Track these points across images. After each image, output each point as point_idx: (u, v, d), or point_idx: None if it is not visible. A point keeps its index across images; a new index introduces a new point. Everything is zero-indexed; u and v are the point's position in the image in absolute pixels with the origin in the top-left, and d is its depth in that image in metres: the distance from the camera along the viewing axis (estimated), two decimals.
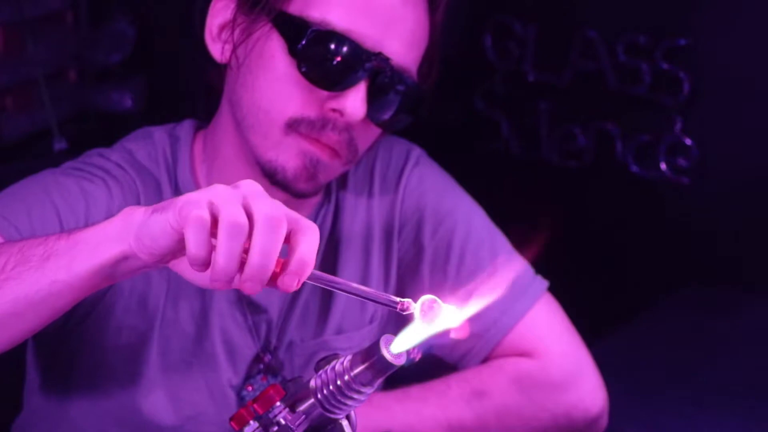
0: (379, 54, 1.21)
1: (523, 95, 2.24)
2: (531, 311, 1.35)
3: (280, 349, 1.35)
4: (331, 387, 0.92)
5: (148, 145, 1.33)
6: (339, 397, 0.92)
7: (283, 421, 0.95)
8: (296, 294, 1.34)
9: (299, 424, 0.94)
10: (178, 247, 0.93)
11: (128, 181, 1.29)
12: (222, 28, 1.27)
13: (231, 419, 0.97)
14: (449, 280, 1.37)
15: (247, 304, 1.33)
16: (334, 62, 1.20)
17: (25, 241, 1.01)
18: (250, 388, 1.34)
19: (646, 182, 2.12)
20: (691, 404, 1.52)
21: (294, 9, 1.22)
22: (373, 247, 1.38)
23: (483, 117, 2.29)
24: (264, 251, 0.91)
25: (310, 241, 0.93)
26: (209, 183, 1.30)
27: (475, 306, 0.96)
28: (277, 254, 0.91)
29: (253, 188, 0.94)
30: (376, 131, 1.28)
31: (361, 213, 1.39)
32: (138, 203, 1.28)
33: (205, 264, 0.91)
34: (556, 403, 1.34)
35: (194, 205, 0.91)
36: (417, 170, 1.41)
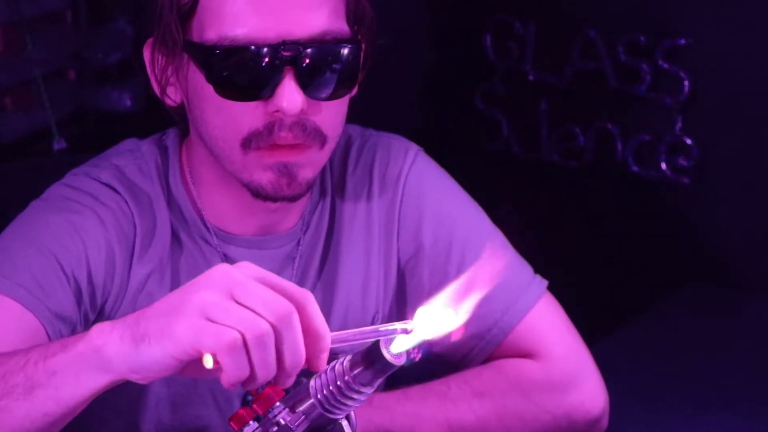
0: (283, 42, 1.18)
1: (523, 95, 2.24)
2: (532, 311, 1.34)
3: None
4: (330, 387, 0.92)
5: (138, 159, 1.31)
6: (339, 398, 0.92)
7: (282, 422, 0.94)
8: None
9: (299, 425, 0.94)
10: (182, 370, 0.92)
11: (120, 204, 1.27)
12: (160, 74, 1.26)
13: (231, 419, 0.97)
14: (450, 280, 1.36)
15: None
16: (247, 72, 1.19)
17: (5, 366, 0.99)
18: (254, 393, 1.33)
19: (646, 182, 2.12)
20: (691, 404, 1.51)
21: (195, 37, 1.21)
22: (373, 247, 1.37)
23: (483, 117, 2.29)
24: (294, 351, 0.90)
25: (314, 312, 0.92)
26: (201, 197, 1.30)
27: (473, 306, 0.95)
28: (302, 343, 0.90)
29: (231, 279, 0.91)
30: (333, 105, 1.24)
31: (361, 213, 1.38)
32: (133, 227, 1.27)
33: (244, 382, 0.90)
34: (558, 405, 1.33)
35: (202, 330, 0.88)
36: (416, 169, 1.40)
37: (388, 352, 0.91)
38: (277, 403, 0.95)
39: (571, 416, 1.34)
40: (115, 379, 0.95)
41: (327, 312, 1.36)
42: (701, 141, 2.05)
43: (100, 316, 1.25)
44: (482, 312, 1.18)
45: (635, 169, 2.12)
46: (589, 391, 1.34)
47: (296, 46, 1.18)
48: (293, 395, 0.95)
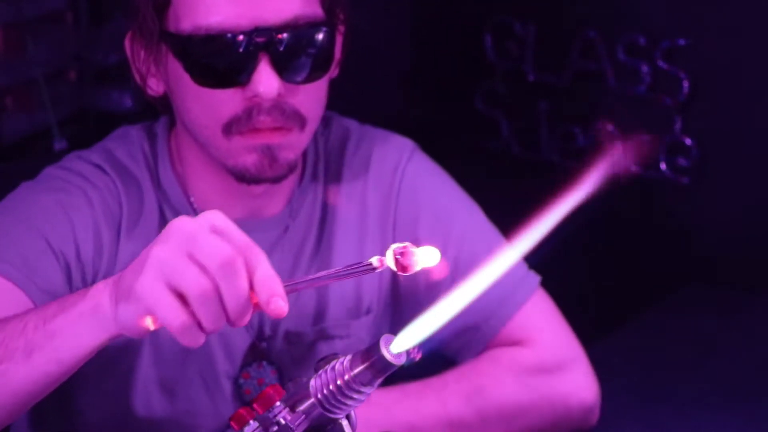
0: (256, 29, 1.20)
1: (523, 95, 2.24)
2: (527, 303, 1.36)
3: (276, 338, 1.35)
4: (331, 387, 0.92)
5: (127, 143, 1.35)
6: (339, 397, 0.93)
7: (283, 421, 0.95)
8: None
9: (299, 424, 0.94)
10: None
11: (108, 184, 1.30)
12: (140, 66, 1.29)
13: (231, 419, 0.97)
14: (446, 275, 1.38)
15: None
16: (223, 60, 1.22)
17: (3, 333, 1.02)
18: (246, 376, 1.35)
19: (646, 182, 2.12)
20: (692, 404, 1.52)
21: (171, 27, 1.24)
22: (368, 238, 1.39)
23: (483, 117, 2.29)
24: (237, 298, 0.92)
25: (262, 263, 0.93)
26: (188, 182, 1.33)
27: (471, 295, 0.96)
28: (247, 289, 0.92)
29: (186, 232, 0.93)
30: (311, 88, 1.26)
31: (356, 204, 1.39)
32: (119, 206, 1.30)
33: (193, 333, 0.93)
34: (553, 389, 1.35)
35: (158, 296, 0.91)
36: (413, 164, 1.41)
37: (388, 351, 0.91)
38: (277, 403, 0.95)
39: (567, 402, 1.35)
40: (112, 335, 0.97)
41: (323, 300, 1.37)
42: (701, 141, 2.05)
43: None
44: (479, 303, 1.21)
45: (635, 169, 2.12)
46: (582, 377, 1.36)
47: (270, 32, 1.21)
48: (293, 395, 0.95)
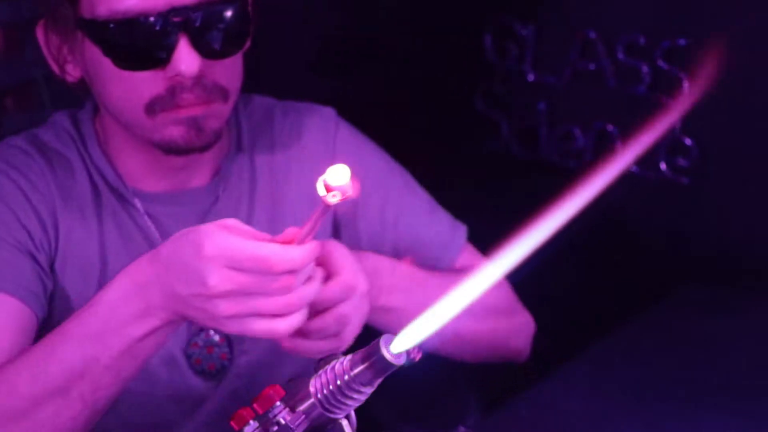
0: (172, 9, 1.23)
1: (522, 95, 2.24)
2: (466, 247, 1.49)
3: None
4: (330, 387, 0.92)
5: (52, 126, 1.40)
6: (339, 398, 0.93)
7: (282, 421, 0.95)
8: None
9: (299, 424, 0.94)
10: None
11: (31, 165, 1.35)
12: (56, 54, 1.33)
13: (231, 419, 0.97)
14: (387, 229, 1.47)
15: None
16: (142, 42, 1.24)
17: (82, 380, 1.13)
18: (195, 346, 1.39)
19: (645, 182, 2.12)
20: (691, 404, 1.51)
21: (87, 14, 1.26)
22: (301, 202, 1.44)
23: (483, 117, 2.29)
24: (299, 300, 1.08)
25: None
26: (117, 160, 1.37)
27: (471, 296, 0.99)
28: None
29: (224, 253, 1.06)
30: (229, 61, 1.31)
31: (289, 172, 1.45)
32: (48, 185, 1.34)
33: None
34: (500, 329, 1.47)
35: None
36: (342, 129, 1.50)
37: (388, 351, 0.91)
38: (277, 403, 0.95)
39: (509, 343, 1.50)
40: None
41: None
42: (700, 141, 2.05)
43: (52, 273, 1.33)
44: (424, 251, 1.42)
45: (635, 169, 2.12)
46: (524, 320, 1.52)
47: (186, 11, 1.24)
48: (293, 395, 0.95)
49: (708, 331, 1.75)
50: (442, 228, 1.50)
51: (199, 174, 1.40)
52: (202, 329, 1.38)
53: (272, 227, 1.43)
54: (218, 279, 1.05)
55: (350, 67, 2.40)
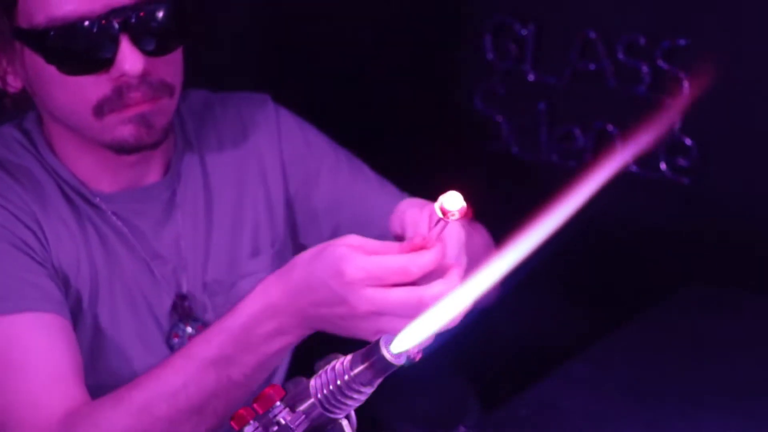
0: (111, 11, 1.23)
1: (522, 95, 2.24)
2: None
3: (196, 294, 1.41)
4: (330, 387, 0.92)
5: (2, 139, 1.39)
6: (339, 397, 0.92)
7: (282, 421, 0.95)
8: (195, 235, 1.43)
9: (299, 424, 0.94)
10: None
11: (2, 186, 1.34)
12: None
13: (231, 419, 0.97)
14: (344, 201, 1.51)
15: (151, 259, 1.40)
16: (85, 47, 1.24)
17: (217, 398, 1.17)
18: (176, 336, 1.41)
19: (646, 182, 2.12)
20: (691, 404, 1.51)
21: (24, 23, 1.26)
22: (249, 188, 1.47)
23: (483, 117, 2.29)
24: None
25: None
26: (75, 162, 1.37)
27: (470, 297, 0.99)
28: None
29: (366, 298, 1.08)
30: (172, 57, 1.31)
31: (236, 158, 1.47)
32: (21, 198, 1.33)
33: None
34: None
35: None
36: (282, 112, 1.52)
37: (388, 351, 0.91)
38: (277, 403, 0.95)
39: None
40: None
41: (237, 240, 1.46)
42: (701, 141, 2.05)
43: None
44: (375, 216, 1.46)
45: (635, 169, 2.12)
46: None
47: (125, 11, 1.24)
48: (293, 395, 0.95)
49: (708, 331, 1.75)
50: (389, 193, 1.54)
51: (152, 171, 1.41)
52: (181, 320, 1.40)
53: (234, 215, 1.46)
54: (364, 300, 1.07)
55: (350, 67, 2.40)
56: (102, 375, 1.35)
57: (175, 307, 1.40)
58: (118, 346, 1.38)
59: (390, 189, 1.55)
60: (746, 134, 2.02)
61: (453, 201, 1.02)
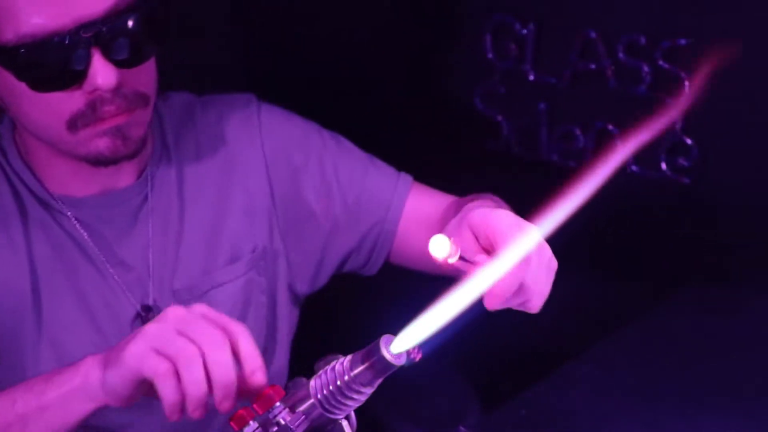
0: (81, 26, 1.21)
1: (523, 95, 2.24)
2: (415, 187, 1.54)
3: (163, 301, 1.40)
4: (330, 387, 0.92)
5: None
6: (339, 398, 0.93)
7: (282, 422, 0.95)
8: (165, 242, 1.41)
9: (299, 425, 0.94)
10: (142, 390, 1.05)
11: None
12: None
13: (231, 419, 0.97)
14: (332, 189, 1.50)
15: (113, 266, 1.38)
16: (56, 63, 1.22)
17: None
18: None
19: (646, 182, 2.11)
20: (692, 404, 1.51)
21: None
22: (233, 192, 1.45)
23: (483, 117, 2.29)
24: (223, 367, 1.01)
25: (245, 340, 1.05)
26: (41, 171, 1.36)
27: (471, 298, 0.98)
28: (230, 360, 1.02)
29: (178, 315, 1.05)
30: (145, 67, 1.29)
31: (216, 163, 1.46)
32: None
33: (181, 406, 1.03)
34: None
35: (144, 358, 1.03)
36: (264, 111, 1.50)
37: (388, 352, 0.91)
38: (277, 403, 0.95)
39: None
40: (98, 406, 1.09)
41: (213, 246, 1.44)
42: (701, 141, 2.05)
43: None
44: (373, 201, 1.47)
45: (635, 169, 2.12)
46: None
47: (95, 24, 1.22)
48: (293, 395, 0.95)
49: (708, 331, 1.75)
50: (384, 176, 1.53)
51: (125, 175, 1.40)
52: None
53: (211, 222, 1.44)
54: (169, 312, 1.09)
55: (351, 66, 2.40)
56: None
57: (138, 316, 1.39)
58: (73, 357, 1.35)
59: (385, 171, 1.54)
60: (746, 134, 2.02)
61: (438, 248, 0.99)
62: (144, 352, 1.03)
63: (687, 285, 1.96)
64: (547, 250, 1.12)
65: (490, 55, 2.25)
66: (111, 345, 1.35)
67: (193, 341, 1.02)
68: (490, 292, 1.04)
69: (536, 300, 1.12)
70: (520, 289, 1.08)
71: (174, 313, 1.05)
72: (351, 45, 2.39)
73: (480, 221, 1.10)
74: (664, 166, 2.09)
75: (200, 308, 1.06)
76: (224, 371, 1.01)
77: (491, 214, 1.10)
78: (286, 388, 0.97)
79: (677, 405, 1.52)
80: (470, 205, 1.32)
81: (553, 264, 1.13)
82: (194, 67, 1.81)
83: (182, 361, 1.01)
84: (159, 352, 1.02)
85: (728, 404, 1.51)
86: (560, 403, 1.52)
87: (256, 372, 1.02)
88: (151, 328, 1.05)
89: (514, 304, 1.10)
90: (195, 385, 1.01)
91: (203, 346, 1.02)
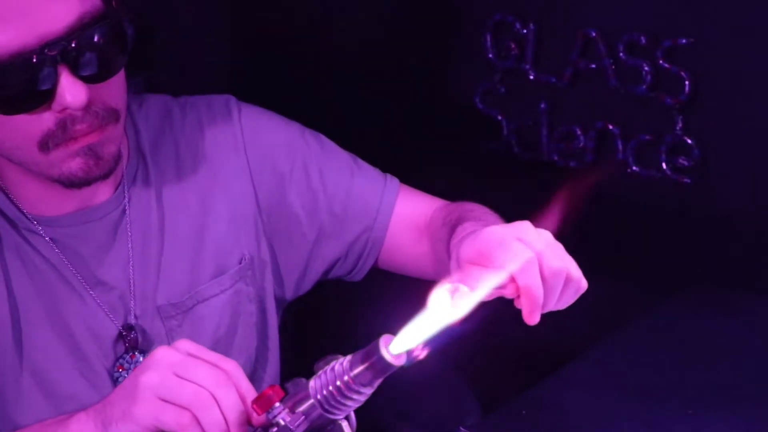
0: (45, 44, 1.16)
1: (523, 95, 2.24)
2: (403, 190, 1.51)
3: (146, 322, 1.36)
4: (330, 388, 0.92)
5: None
6: (338, 398, 0.92)
7: (282, 422, 0.94)
8: (146, 256, 1.37)
9: (299, 425, 0.94)
10: None
11: None
12: None
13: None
14: (318, 196, 1.48)
15: (92, 287, 1.34)
16: (22, 84, 1.17)
17: None
18: (120, 368, 1.35)
19: (646, 182, 2.11)
20: (692, 405, 1.51)
21: None
22: (216, 198, 1.42)
23: (483, 117, 2.29)
24: (235, 407, 1.04)
25: (240, 375, 1.07)
26: (16, 189, 1.32)
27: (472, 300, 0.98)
28: (240, 402, 1.05)
29: (171, 359, 1.06)
30: (114, 81, 1.25)
31: (196, 170, 1.42)
32: None
33: None
34: None
35: (160, 413, 1.04)
36: (245, 112, 1.47)
37: (388, 352, 0.91)
38: (277, 404, 0.95)
39: None
40: None
41: (196, 262, 1.40)
42: (702, 141, 2.05)
43: None
44: (359, 205, 1.46)
45: (635, 169, 2.12)
46: None
47: (60, 42, 1.16)
48: (293, 395, 0.95)
49: (709, 331, 1.75)
50: (370, 180, 1.51)
51: (102, 189, 1.35)
52: (127, 352, 1.35)
53: (194, 233, 1.40)
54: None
55: (350, 66, 2.40)
56: (44, 410, 1.32)
57: (120, 336, 1.35)
58: (56, 380, 1.32)
59: (370, 173, 1.51)
60: (747, 134, 2.02)
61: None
62: (157, 407, 1.04)
63: (687, 286, 1.96)
64: (546, 234, 1.12)
65: (490, 55, 2.25)
66: (94, 368, 1.33)
67: (200, 386, 1.04)
68: (528, 314, 1.07)
69: (575, 271, 1.15)
70: (546, 281, 1.09)
71: (164, 355, 1.06)
72: (351, 44, 2.39)
73: (473, 252, 1.09)
74: (664, 166, 2.09)
75: (184, 345, 1.07)
76: (237, 409, 1.04)
77: (478, 240, 1.09)
78: (285, 388, 0.97)
79: (677, 405, 1.52)
80: (457, 232, 1.29)
81: (556, 242, 1.13)
82: (179, 66, 1.78)
83: (199, 408, 1.03)
84: (173, 404, 1.04)
85: (728, 404, 1.51)
86: (560, 403, 1.52)
87: (253, 407, 1.04)
88: (151, 377, 1.05)
89: (570, 295, 1.15)
90: (216, 427, 1.03)
91: (211, 389, 1.04)
